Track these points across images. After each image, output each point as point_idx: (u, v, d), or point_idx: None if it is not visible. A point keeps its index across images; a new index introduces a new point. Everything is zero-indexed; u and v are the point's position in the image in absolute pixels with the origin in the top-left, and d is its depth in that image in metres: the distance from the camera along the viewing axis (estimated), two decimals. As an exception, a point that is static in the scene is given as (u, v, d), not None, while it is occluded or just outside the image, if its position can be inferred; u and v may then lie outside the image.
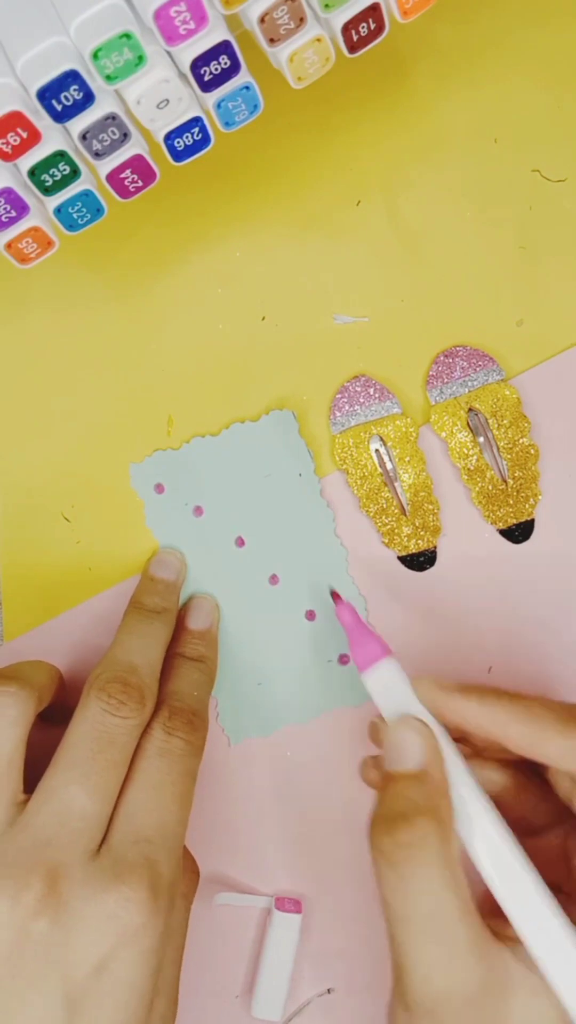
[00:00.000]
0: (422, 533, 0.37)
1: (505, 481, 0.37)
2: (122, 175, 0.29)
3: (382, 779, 0.30)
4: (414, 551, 0.37)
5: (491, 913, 0.29)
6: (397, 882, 0.28)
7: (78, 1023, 0.27)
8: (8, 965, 0.27)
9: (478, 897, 0.28)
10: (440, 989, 0.27)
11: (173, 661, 0.35)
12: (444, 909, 0.27)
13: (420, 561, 0.37)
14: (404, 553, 0.37)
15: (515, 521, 0.37)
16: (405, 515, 0.37)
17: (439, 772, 0.29)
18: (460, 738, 0.32)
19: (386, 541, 0.37)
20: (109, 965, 0.27)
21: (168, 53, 0.27)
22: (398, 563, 0.37)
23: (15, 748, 0.30)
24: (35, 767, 0.30)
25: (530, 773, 0.32)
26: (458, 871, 0.28)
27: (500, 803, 0.31)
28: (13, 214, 0.29)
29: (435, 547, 0.37)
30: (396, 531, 0.37)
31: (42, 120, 0.26)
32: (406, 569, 0.37)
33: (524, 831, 0.32)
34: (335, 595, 0.35)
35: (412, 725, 0.30)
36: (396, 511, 0.37)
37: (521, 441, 0.37)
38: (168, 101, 0.28)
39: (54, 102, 0.26)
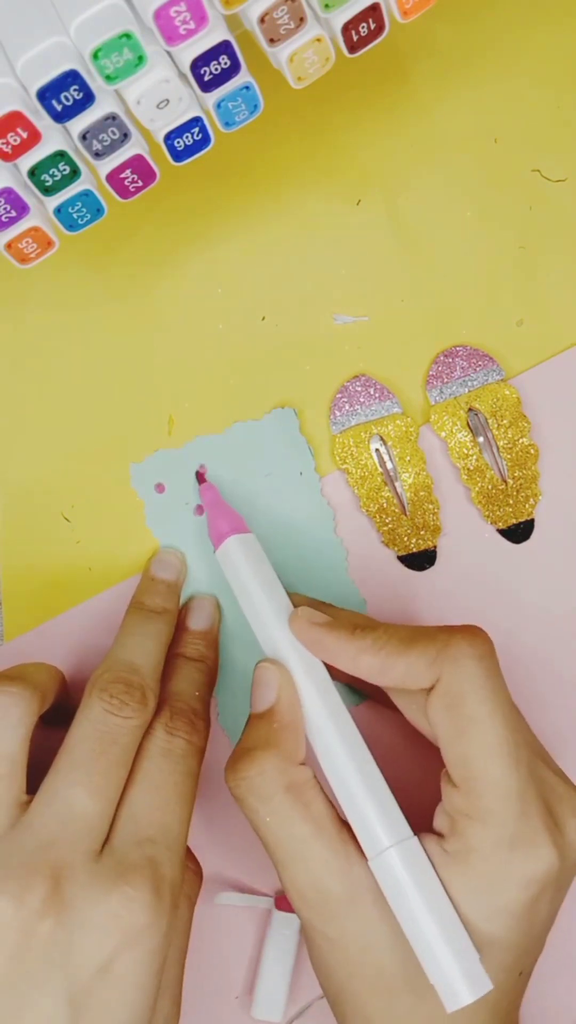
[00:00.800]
0: (422, 533, 0.37)
1: (505, 481, 0.37)
2: (122, 175, 0.29)
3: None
4: (414, 551, 0.37)
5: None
6: (251, 815, 0.30)
7: (82, 1022, 0.27)
8: (13, 966, 0.27)
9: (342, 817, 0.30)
10: (309, 903, 0.30)
11: (174, 661, 0.35)
12: (295, 833, 0.29)
13: (420, 561, 0.37)
14: (404, 552, 0.37)
15: (515, 521, 0.37)
16: (405, 515, 0.37)
17: (288, 710, 0.31)
18: None
19: (386, 540, 0.37)
20: (113, 965, 0.27)
21: (168, 53, 0.27)
22: (398, 563, 0.37)
23: (18, 749, 0.30)
24: (37, 769, 0.30)
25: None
26: (305, 795, 0.30)
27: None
28: (13, 214, 0.29)
29: (435, 547, 0.37)
30: (396, 531, 0.37)
31: (42, 120, 0.26)
32: (406, 569, 0.37)
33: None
34: (199, 475, 0.36)
35: (267, 668, 0.32)
36: (396, 511, 0.37)
37: (521, 441, 0.37)
38: (168, 101, 0.28)
39: (54, 102, 0.26)
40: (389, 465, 0.37)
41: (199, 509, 0.37)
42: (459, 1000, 0.27)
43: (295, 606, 0.33)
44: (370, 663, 0.30)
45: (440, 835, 0.30)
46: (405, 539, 0.37)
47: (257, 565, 0.33)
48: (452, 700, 0.29)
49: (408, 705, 0.31)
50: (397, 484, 0.37)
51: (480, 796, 0.28)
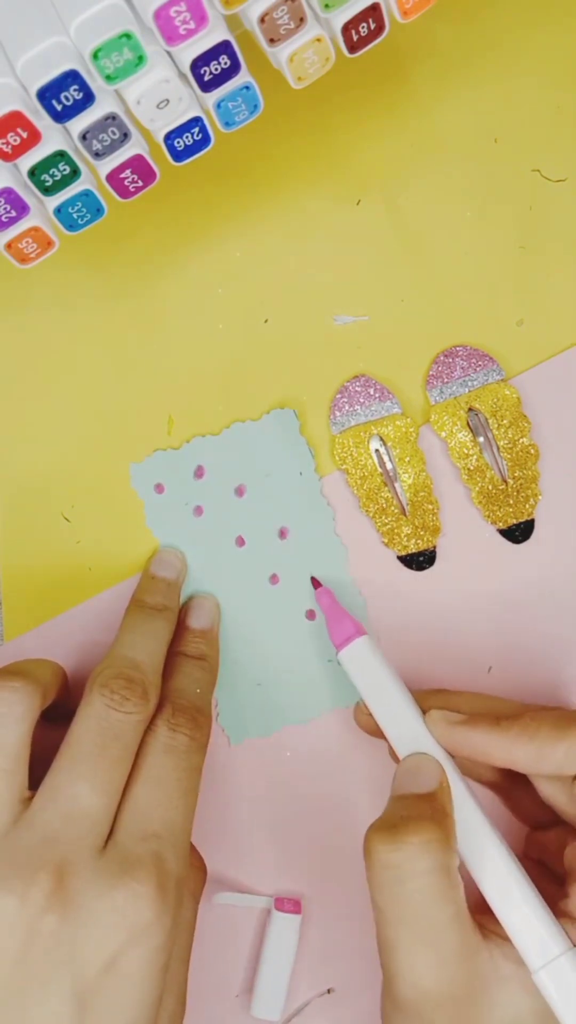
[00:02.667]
0: (422, 533, 0.37)
1: (505, 481, 0.37)
2: (122, 175, 0.29)
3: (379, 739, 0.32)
4: (414, 551, 0.37)
5: (479, 909, 0.30)
6: (395, 886, 0.28)
7: (88, 1019, 0.27)
8: (18, 963, 0.27)
9: (470, 894, 0.29)
10: (429, 990, 0.28)
11: (175, 660, 0.35)
12: (439, 915, 0.28)
13: (420, 561, 0.37)
14: (404, 553, 0.37)
15: (515, 521, 0.37)
16: (405, 515, 0.37)
17: (448, 800, 0.30)
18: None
19: (386, 541, 0.37)
20: (118, 962, 0.27)
21: (168, 53, 0.27)
22: (398, 563, 0.37)
23: (21, 743, 0.30)
24: (38, 767, 0.30)
25: (519, 780, 0.34)
26: (455, 879, 0.29)
27: (508, 798, 0.33)
28: (13, 214, 0.29)
29: (435, 547, 0.37)
30: (396, 531, 0.37)
31: (42, 120, 0.26)
32: (406, 569, 0.37)
33: (533, 824, 0.34)
34: (315, 581, 0.36)
35: (425, 757, 0.31)
36: (396, 511, 0.37)
37: (521, 441, 0.37)
38: (168, 101, 0.28)
39: (54, 102, 0.26)
40: (389, 466, 0.37)
41: (198, 510, 0.37)
42: None
43: (421, 705, 0.33)
44: (525, 753, 0.30)
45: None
46: (405, 539, 0.37)
47: (385, 665, 0.33)
48: None
49: (548, 786, 0.31)
50: (397, 484, 0.37)
51: None
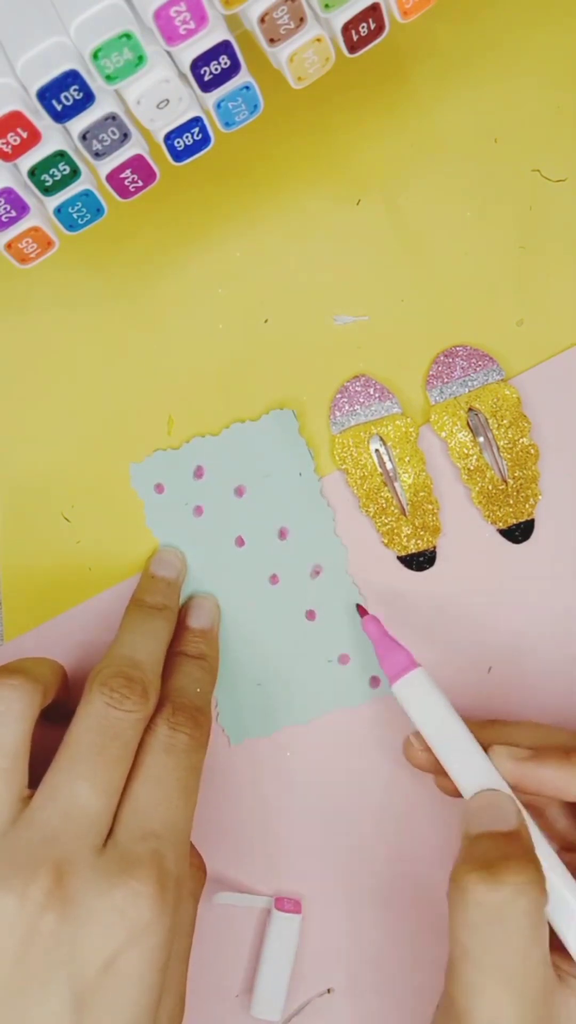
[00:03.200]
0: (422, 533, 0.37)
1: (505, 481, 0.37)
2: (122, 175, 0.29)
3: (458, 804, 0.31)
4: (413, 551, 0.37)
5: (551, 947, 0.29)
6: (489, 927, 0.28)
7: (87, 1019, 0.27)
8: (17, 962, 0.27)
9: None
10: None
11: (175, 659, 0.35)
12: (531, 958, 0.28)
13: (420, 561, 0.37)
14: (404, 553, 0.37)
15: (515, 521, 0.37)
16: (405, 515, 0.37)
17: (529, 836, 0.30)
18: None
19: (386, 541, 0.37)
20: (118, 961, 0.27)
21: (168, 53, 0.27)
22: (398, 563, 0.37)
23: (21, 742, 0.30)
24: (38, 767, 0.30)
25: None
26: (545, 924, 0.28)
27: (552, 828, 0.33)
28: (13, 214, 0.29)
29: (435, 547, 0.37)
30: (396, 531, 0.37)
31: (42, 120, 0.26)
32: (406, 569, 0.37)
33: (559, 844, 0.33)
34: (361, 609, 0.36)
35: (499, 795, 0.31)
36: (396, 511, 0.37)
37: (521, 441, 0.37)
38: (168, 101, 0.28)
39: (54, 102, 0.26)
40: (389, 466, 0.37)
41: (198, 510, 0.37)
42: None
43: (481, 741, 0.32)
44: None
45: None
46: (404, 540, 0.37)
47: (443, 698, 0.33)
48: None
49: None
50: (396, 485, 0.37)
51: None
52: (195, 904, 0.32)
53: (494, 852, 0.29)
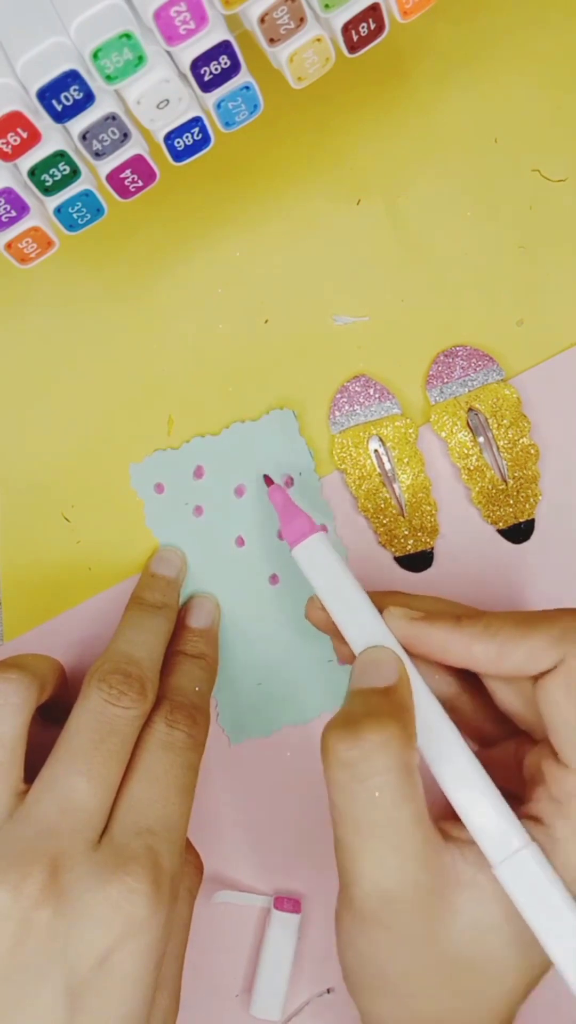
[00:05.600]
0: (419, 534, 0.37)
1: (505, 481, 0.37)
2: (122, 175, 0.29)
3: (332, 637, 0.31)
4: (411, 552, 0.37)
5: (442, 815, 0.29)
6: (353, 785, 0.27)
7: (80, 1015, 0.27)
8: (11, 956, 0.27)
9: (429, 799, 0.29)
10: (388, 893, 0.28)
11: (174, 658, 0.35)
12: (400, 815, 0.27)
13: (417, 562, 0.37)
14: (401, 554, 0.37)
15: (515, 521, 0.37)
16: (403, 516, 0.37)
17: (408, 694, 0.29)
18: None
19: (383, 541, 0.37)
20: (112, 957, 0.27)
21: (168, 53, 0.27)
22: (395, 564, 0.37)
23: (18, 735, 0.30)
24: (34, 764, 0.30)
25: (475, 690, 0.33)
26: (415, 778, 0.28)
27: (453, 711, 0.32)
28: (13, 214, 0.29)
29: (432, 548, 0.37)
30: (393, 531, 0.37)
31: (42, 120, 0.26)
32: (405, 570, 0.37)
33: (481, 741, 0.33)
34: (267, 479, 0.35)
35: (385, 650, 0.30)
36: (394, 512, 0.37)
37: (521, 441, 0.37)
38: (168, 101, 0.28)
39: (54, 102, 0.26)
40: (387, 466, 0.37)
41: (198, 510, 0.37)
42: None
43: (377, 603, 0.32)
44: (485, 651, 0.29)
45: (540, 821, 0.28)
46: (402, 540, 0.37)
47: (341, 562, 0.32)
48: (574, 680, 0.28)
49: (502, 688, 0.31)
50: (395, 485, 0.37)
51: None
52: (191, 901, 0.32)
53: (360, 709, 0.28)
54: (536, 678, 0.29)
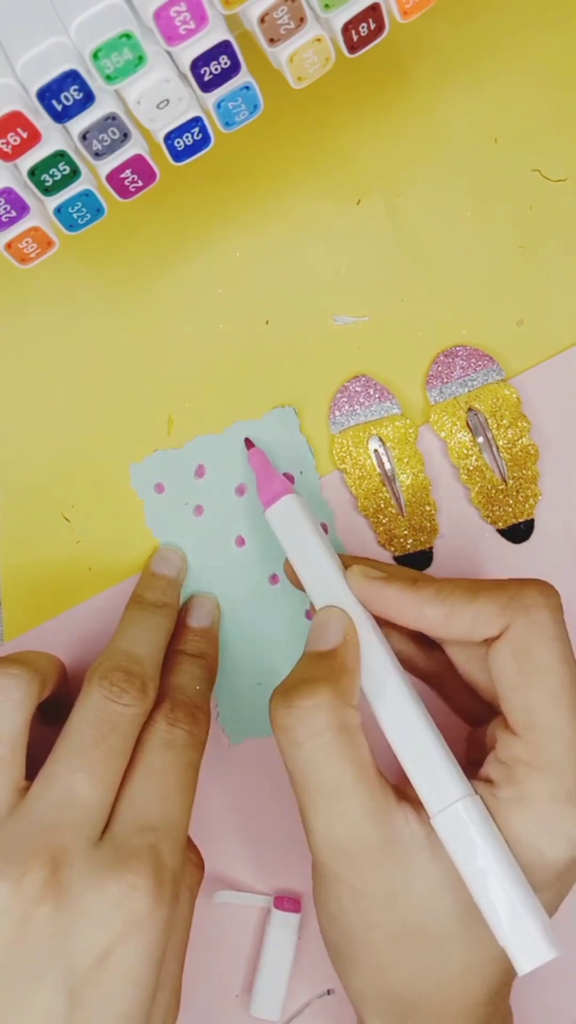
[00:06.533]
0: (418, 534, 0.37)
1: (505, 481, 0.37)
2: (122, 175, 0.29)
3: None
4: (410, 551, 0.37)
5: (399, 777, 0.30)
6: (293, 748, 0.29)
7: (79, 1013, 0.27)
8: (10, 953, 0.27)
9: (387, 762, 0.29)
10: (341, 850, 0.29)
11: (174, 658, 0.35)
12: (338, 774, 0.28)
13: (416, 562, 0.37)
14: (400, 553, 0.37)
15: (515, 521, 0.37)
16: (402, 515, 0.37)
17: (350, 653, 0.30)
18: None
19: (382, 541, 0.37)
20: (112, 954, 0.27)
21: (168, 53, 0.27)
22: (395, 563, 0.37)
23: (19, 731, 0.30)
24: (35, 762, 0.30)
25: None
26: (354, 738, 0.29)
27: (441, 691, 0.34)
28: (13, 214, 0.29)
29: (431, 548, 0.37)
30: (393, 531, 0.37)
31: (42, 120, 0.26)
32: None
33: (471, 721, 0.34)
34: (248, 442, 0.36)
35: (333, 611, 0.31)
36: (393, 511, 0.37)
37: (521, 441, 0.37)
38: (168, 101, 0.28)
39: (54, 102, 0.26)
40: (387, 466, 0.37)
41: (198, 510, 0.37)
42: (536, 960, 0.27)
43: (346, 565, 0.32)
44: (435, 613, 0.30)
45: (490, 782, 0.29)
46: (401, 540, 0.37)
47: (311, 523, 0.33)
48: (520, 648, 0.29)
49: (461, 655, 0.31)
50: (395, 485, 0.37)
51: (542, 745, 0.28)
52: (192, 900, 0.32)
53: (299, 673, 0.30)
54: (488, 645, 0.30)
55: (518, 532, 0.37)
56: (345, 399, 0.37)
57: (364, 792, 0.28)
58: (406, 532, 0.37)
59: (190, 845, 0.32)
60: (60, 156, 0.28)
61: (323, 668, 0.30)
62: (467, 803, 0.28)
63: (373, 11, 0.27)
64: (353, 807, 0.28)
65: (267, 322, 0.38)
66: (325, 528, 0.37)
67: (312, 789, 0.29)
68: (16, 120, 0.26)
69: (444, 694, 0.35)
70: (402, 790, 0.30)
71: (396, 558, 0.37)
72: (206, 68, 0.27)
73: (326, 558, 0.32)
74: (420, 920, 0.29)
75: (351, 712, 0.29)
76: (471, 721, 0.34)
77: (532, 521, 0.37)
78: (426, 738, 0.29)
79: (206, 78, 0.27)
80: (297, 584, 0.33)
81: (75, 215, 0.30)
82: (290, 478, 0.37)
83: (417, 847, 0.29)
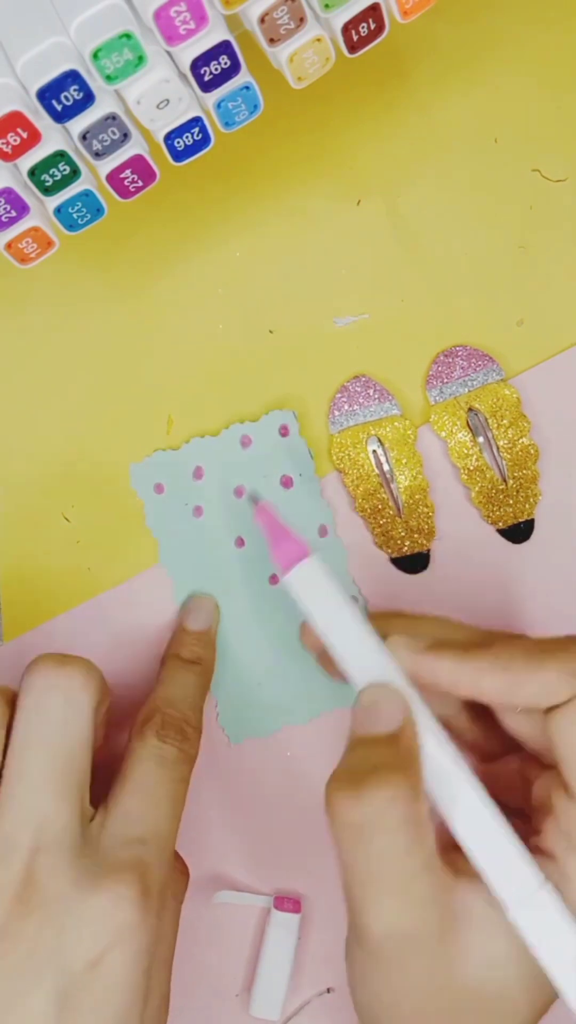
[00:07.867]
0: (415, 536, 0.37)
1: (505, 481, 0.37)
2: (122, 175, 0.29)
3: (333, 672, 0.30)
4: (407, 553, 0.37)
5: (450, 846, 0.28)
6: (359, 844, 0.26)
7: (70, 1021, 0.27)
8: (0, 963, 0.27)
9: (437, 830, 0.28)
10: (399, 936, 0.27)
11: (169, 663, 0.35)
12: (407, 865, 0.26)
13: (413, 564, 0.37)
14: (397, 555, 0.37)
15: (515, 521, 0.37)
16: (400, 517, 0.37)
17: (413, 737, 0.28)
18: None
19: (379, 542, 0.37)
20: (101, 964, 0.27)
21: (168, 53, 0.27)
22: (392, 565, 0.37)
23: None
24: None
25: (476, 707, 0.32)
26: (426, 827, 0.27)
27: (453, 729, 0.31)
28: (13, 214, 0.29)
29: (428, 550, 0.37)
30: (390, 532, 0.37)
31: (42, 120, 0.26)
32: (403, 571, 0.37)
33: (481, 756, 0.32)
34: (254, 499, 0.33)
35: (386, 689, 0.28)
36: (391, 512, 0.37)
37: (521, 441, 0.37)
38: (168, 101, 0.28)
39: (54, 102, 0.26)
40: (385, 467, 0.37)
41: (198, 510, 0.37)
42: None
43: (380, 631, 0.30)
44: (495, 686, 0.28)
45: (552, 857, 0.28)
46: (398, 541, 0.37)
47: (339, 589, 0.30)
48: None
49: (514, 717, 0.30)
50: (393, 486, 0.37)
51: None
52: (178, 908, 0.32)
53: (363, 762, 0.27)
54: (547, 708, 0.28)
55: (518, 532, 0.37)
56: (345, 399, 0.37)
57: (429, 879, 0.27)
58: (403, 533, 0.37)
59: (175, 855, 0.32)
60: (60, 156, 0.28)
61: (387, 755, 0.27)
62: (545, 892, 0.27)
63: (373, 11, 0.28)
64: (418, 895, 0.27)
65: (269, 329, 0.37)
66: (325, 530, 0.37)
67: (374, 880, 0.27)
68: (16, 120, 0.26)
69: (454, 731, 0.32)
70: (452, 860, 0.28)
71: (393, 559, 0.37)
72: (206, 68, 0.27)
73: (365, 630, 0.29)
74: (479, 989, 0.27)
75: (423, 802, 0.27)
76: (481, 756, 0.32)
77: (532, 521, 0.37)
78: (496, 828, 0.27)
79: (206, 78, 0.27)
80: (314, 648, 0.31)
81: (75, 215, 0.30)
82: (289, 483, 0.37)
83: (475, 921, 0.27)
